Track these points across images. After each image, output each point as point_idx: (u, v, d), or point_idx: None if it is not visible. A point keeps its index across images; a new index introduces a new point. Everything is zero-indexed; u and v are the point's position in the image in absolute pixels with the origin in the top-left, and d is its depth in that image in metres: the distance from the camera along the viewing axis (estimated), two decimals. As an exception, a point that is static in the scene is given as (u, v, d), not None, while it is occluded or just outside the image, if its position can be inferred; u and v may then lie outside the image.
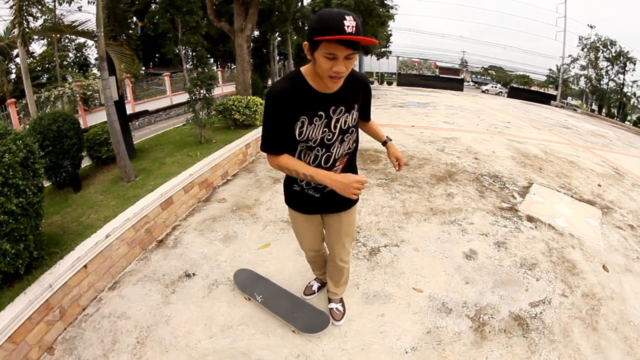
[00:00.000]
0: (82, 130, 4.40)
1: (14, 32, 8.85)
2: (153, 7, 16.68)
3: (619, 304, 2.52)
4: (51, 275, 2.21)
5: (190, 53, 6.30)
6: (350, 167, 1.65)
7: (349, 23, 1.13)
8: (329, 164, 1.53)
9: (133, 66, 4.41)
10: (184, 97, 6.10)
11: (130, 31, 6.10)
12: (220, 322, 2.22)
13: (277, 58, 12.36)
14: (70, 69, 20.41)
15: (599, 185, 4.94)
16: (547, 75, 38.31)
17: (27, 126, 3.85)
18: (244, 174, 4.72)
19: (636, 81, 27.52)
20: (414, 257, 2.85)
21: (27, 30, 5.57)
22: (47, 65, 19.05)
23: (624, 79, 27.14)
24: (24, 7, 5.86)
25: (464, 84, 29.95)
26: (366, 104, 1.62)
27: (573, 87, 30.95)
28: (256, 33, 11.21)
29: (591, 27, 27.75)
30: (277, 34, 10.77)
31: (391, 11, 12.85)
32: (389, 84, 27.33)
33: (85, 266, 2.41)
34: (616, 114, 24.96)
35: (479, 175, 4.70)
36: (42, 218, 2.35)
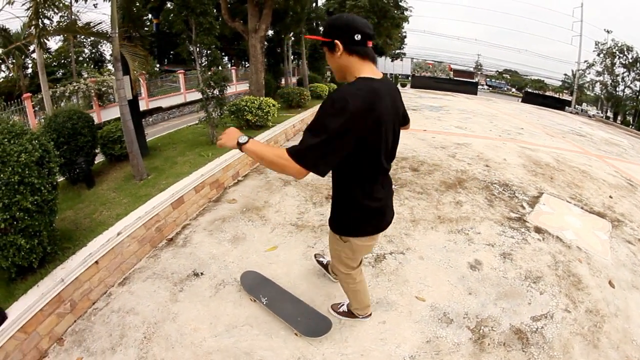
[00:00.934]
0: (96, 127, 4.50)
1: (29, 31, 9.09)
2: (168, 4, 16.88)
3: (622, 321, 2.49)
4: (63, 269, 2.29)
5: (205, 52, 6.40)
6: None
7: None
8: None
9: (147, 65, 4.48)
10: (197, 94, 6.17)
11: (146, 28, 6.21)
12: (226, 321, 2.27)
13: (292, 58, 12.35)
14: (85, 64, 20.72)
15: (611, 197, 4.86)
16: (562, 81, 37.62)
17: (43, 120, 3.93)
18: (254, 175, 4.78)
19: (652, 89, 26.77)
20: (418, 265, 2.87)
21: (43, 32, 5.74)
22: (62, 61, 19.34)
23: (640, 86, 26.41)
24: (40, 10, 6.04)
25: (479, 87, 29.62)
26: None
27: (588, 93, 30.29)
28: (270, 32, 11.23)
29: (608, 31, 27.01)
30: (292, 34, 10.77)
31: (406, 13, 12.71)
32: (403, 85, 27.11)
33: (96, 262, 2.49)
34: (631, 122, 24.35)
35: (489, 184, 4.68)
36: (56, 214, 2.43)
